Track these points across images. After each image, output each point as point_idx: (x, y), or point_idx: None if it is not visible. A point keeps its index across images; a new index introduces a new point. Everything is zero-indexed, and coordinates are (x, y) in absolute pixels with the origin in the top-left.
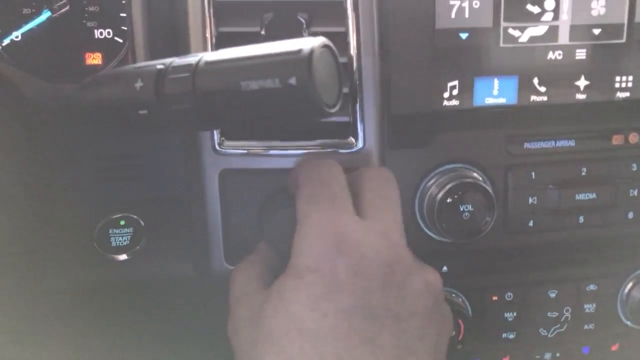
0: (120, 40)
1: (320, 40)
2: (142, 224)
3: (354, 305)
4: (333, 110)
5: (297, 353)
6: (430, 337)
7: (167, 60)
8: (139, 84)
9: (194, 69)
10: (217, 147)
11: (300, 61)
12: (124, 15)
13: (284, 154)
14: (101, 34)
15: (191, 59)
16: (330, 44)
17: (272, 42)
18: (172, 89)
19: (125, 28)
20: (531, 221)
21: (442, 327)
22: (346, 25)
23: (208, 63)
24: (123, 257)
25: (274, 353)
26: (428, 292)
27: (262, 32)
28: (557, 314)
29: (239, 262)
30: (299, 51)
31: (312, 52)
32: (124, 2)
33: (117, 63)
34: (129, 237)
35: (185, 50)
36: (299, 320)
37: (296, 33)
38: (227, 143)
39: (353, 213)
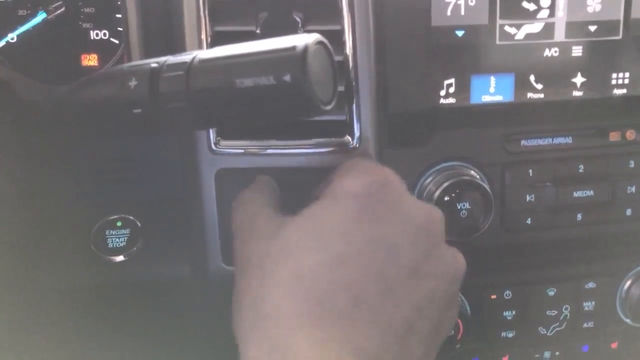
0: (116, 41)
1: (315, 36)
2: (139, 225)
3: (382, 239)
4: (328, 107)
5: (311, 269)
6: (438, 303)
7: (162, 59)
8: (133, 83)
9: (188, 67)
10: (213, 146)
11: (295, 58)
12: (120, 16)
13: (280, 153)
14: (97, 35)
15: (185, 57)
16: (325, 40)
17: (266, 39)
18: (167, 87)
19: (121, 29)
20: (529, 219)
21: (450, 304)
22: (342, 23)
23: (202, 61)
24: (120, 258)
25: (287, 264)
26: (453, 265)
27: (258, 31)
28: (556, 312)
29: (243, 190)
30: (293, 48)
31: (306, 48)
32: (119, 3)
33: (113, 64)
34: (125, 238)
35: (180, 51)
36: (325, 238)
37: (292, 32)
38: (223, 142)
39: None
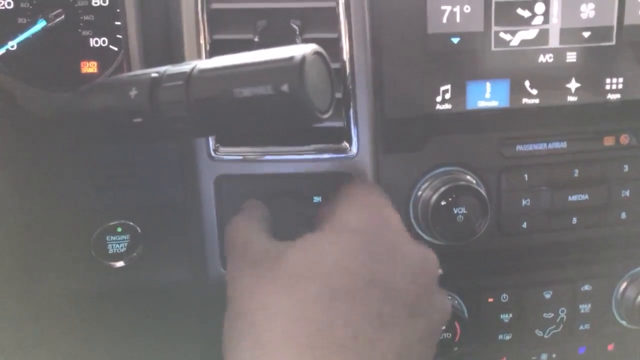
0: (116, 49)
1: (312, 47)
2: (139, 230)
3: (379, 279)
4: (326, 116)
5: (312, 299)
6: (426, 341)
7: (162, 69)
8: (133, 92)
9: (187, 77)
10: (212, 153)
11: (292, 68)
12: (119, 23)
13: (278, 159)
14: (96, 42)
15: (185, 67)
16: (322, 50)
17: (264, 50)
18: (166, 97)
19: (121, 36)
20: (525, 223)
21: (434, 342)
22: (339, 31)
23: (201, 71)
24: (120, 264)
25: (284, 292)
26: (442, 308)
27: (256, 39)
28: (552, 314)
29: (234, 217)
30: (291, 58)
31: (303, 59)
32: (118, 10)
33: (112, 71)
34: (125, 244)
35: (179, 58)
36: (324, 271)
37: (289, 40)
38: (222, 149)
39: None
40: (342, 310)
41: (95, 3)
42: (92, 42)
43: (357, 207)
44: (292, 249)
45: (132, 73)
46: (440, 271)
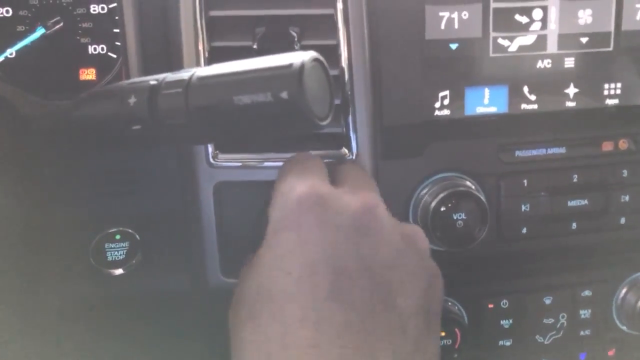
0: (114, 56)
1: (311, 54)
2: (138, 238)
3: (320, 260)
4: (324, 123)
5: (266, 317)
6: (415, 294)
7: (161, 76)
8: (132, 100)
9: (186, 84)
10: (211, 160)
11: (291, 75)
12: (118, 30)
13: (277, 166)
14: (95, 49)
15: (184, 74)
16: (321, 57)
17: (263, 57)
18: (165, 104)
19: (119, 43)
20: (524, 228)
21: (430, 286)
22: (337, 38)
23: (200, 78)
24: (119, 271)
25: (250, 320)
26: (407, 246)
27: (255, 46)
28: (553, 320)
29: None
30: (290, 65)
31: (302, 66)
32: (117, 18)
33: (111, 78)
34: (124, 251)
35: (178, 65)
36: (265, 282)
37: (288, 47)
38: (221, 156)
39: (327, 182)
40: (283, 314)
41: (94, 10)
42: (90, 49)
43: (278, 205)
44: (242, 275)
45: (131, 80)
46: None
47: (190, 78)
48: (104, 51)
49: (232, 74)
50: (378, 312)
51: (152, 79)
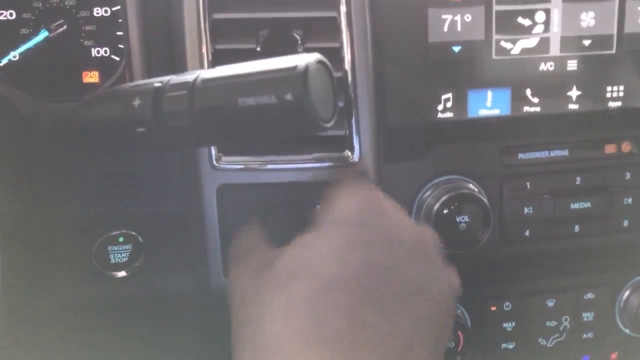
0: (117, 59)
1: (315, 56)
2: (141, 240)
3: (375, 264)
4: (329, 125)
5: (304, 296)
6: (435, 320)
7: (165, 78)
8: (137, 102)
9: (191, 86)
10: (214, 162)
11: (296, 77)
12: (121, 33)
13: (280, 168)
14: (98, 52)
15: (188, 76)
16: (325, 59)
17: (268, 59)
18: (170, 106)
19: (122, 46)
20: (527, 231)
21: (447, 320)
22: (340, 40)
23: (205, 80)
24: (122, 273)
25: (282, 294)
26: (448, 283)
27: (258, 49)
28: (555, 323)
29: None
30: (295, 67)
31: (307, 68)
32: (120, 20)
33: (114, 81)
34: (127, 253)
35: (182, 68)
36: (318, 263)
37: (291, 49)
38: (224, 159)
39: None
40: (336, 300)
41: (97, 13)
42: (93, 52)
43: (349, 201)
44: (287, 249)
45: (135, 83)
46: (441, 246)
47: (195, 80)
48: (107, 54)
49: (236, 76)
50: (370, 322)
51: (157, 81)
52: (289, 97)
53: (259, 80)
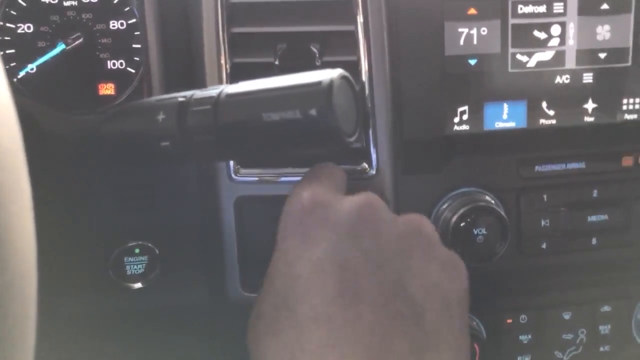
0: (133, 71)
1: (339, 71)
2: (157, 252)
3: (324, 258)
4: (352, 139)
5: (282, 324)
6: (426, 281)
7: (188, 93)
8: (161, 116)
9: (215, 101)
10: (232, 175)
11: (321, 93)
12: (137, 46)
13: (295, 181)
14: (114, 64)
15: (212, 91)
16: (348, 75)
17: (291, 74)
18: (194, 121)
19: (138, 58)
20: (544, 243)
21: (445, 272)
22: (358, 54)
23: (229, 95)
24: (138, 285)
25: (268, 332)
26: (412, 234)
27: (276, 63)
28: (572, 335)
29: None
30: (319, 83)
31: (331, 83)
32: (136, 33)
33: (129, 93)
34: (143, 265)
35: (200, 81)
36: (279, 290)
37: (309, 63)
38: (242, 171)
39: (333, 188)
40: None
41: (113, 26)
42: (109, 64)
43: (286, 214)
44: (261, 288)
45: (158, 97)
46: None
47: (219, 95)
48: (123, 66)
49: (260, 91)
50: (389, 303)
51: (180, 96)
52: (313, 112)
53: (283, 95)
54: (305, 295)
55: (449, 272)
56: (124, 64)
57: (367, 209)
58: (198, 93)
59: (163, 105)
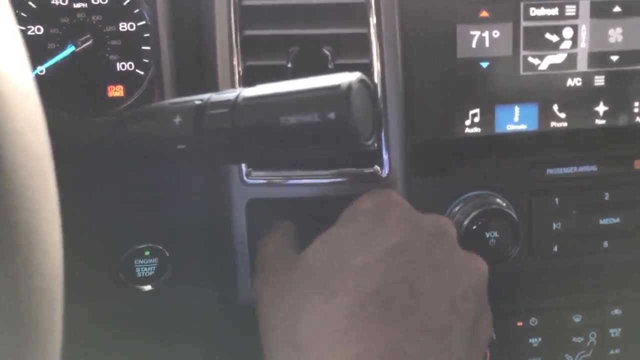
0: (142, 73)
1: (357, 75)
2: (167, 254)
3: (399, 245)
4: (369, 142)
5: (339, 287)
6: (470, 301)
7: (204, 96)
8: (177, 120)
9: (232, 104)
10: (244, 177)
11: (339, 96)
12: (146, 48)
13: (309, 183)
14: (123, 66)
15: (229, 94)
16: (366, 78)
17: (308, 78)
18: (211, 124)
19: (147, 60)
20: (555, 246)
21: (482, 303)
22: (370, 56)
23: (247, 99)
24: (148, 287)
25: (316, 288)
26: (475, 263)
27: (289, 65)
28: (582, 339)
29: (266, 235)
30: (338, 86)
31: (350, 87)
32: (146, 35)
33: (139, 95)
34: (153, 267)
35: (211, 83)
36: (343, 254)
37: (322, 66)
38: (254, 173)
39: None
40: (369, 285)
41: (123, 28)
42: (118, 66)
43: (365, 197)
44: (309, 250)
45: (173, 100)
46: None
47: (236, 98)
48: (132, 68)
49: (278, 95)
50: (407, 303)
51: (196, 99)
52: (331, 115)
53: (301, 99)
54: (371, 271)
55: (465, 276)
56: (133, 66)
57: (446, 232)
58: (215, 96)
59: (179, 108)
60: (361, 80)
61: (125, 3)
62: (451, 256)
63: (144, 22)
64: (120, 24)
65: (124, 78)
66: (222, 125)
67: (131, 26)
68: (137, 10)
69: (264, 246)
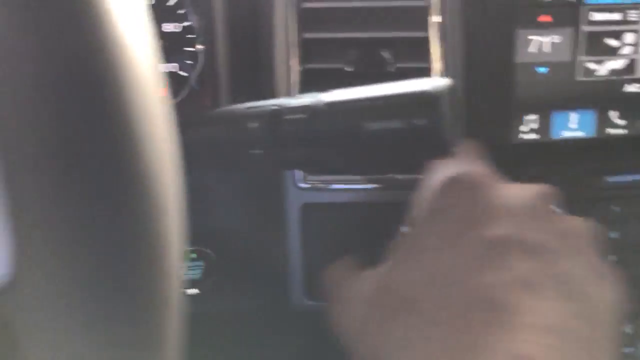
0: (185, 74)
1: (445, 80)
2: (214, 257)
3: (483, 237)
4: (455, 149)
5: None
6: (581, 277)
7: (278, 101)
8: (252, 124)
9: (312, 110)
10: (299, 182)
11: (429, 102)
12: (189, 49)
13: (365, 188)
14: (166, 68)
15: (306, 99)
16: (453, 82)
17: (392, 83)
18: (289, 129)
19: (191, 62)
20: (614, 256)
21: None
22: (430, 61)
23: (328, 104)
24: (195, 291)
25: (400, 320)
26: (574, 230)
27: (348, 69)
28: (633, 349)
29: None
30: (427, 92)
31: (439, 92)
32: (189, 37)
33: (182, 97)
34: (200, 270)
35: (268, 87)
36: (430, 249)
37: (381, 69)
38: (309, 178)
39: None
40: (478, 281)
41: (167, 29)
42: (162, 67)
43: (449, 185)
44: (395, 255)
45: (247, 105)
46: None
47: (316, 103)
48: (175, 70)
49: (362, 100)
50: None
51: (271, 104)
52: (420, 122)
53: (388, 104)
54: (459, 266)
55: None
56: (177, 67)
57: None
58: (290, 101)
59: (255, 113)
60: (450, 86)
61: (170, 3)
62: (548, 228)
63: (189, 23)
64: (164, 25)
65: (168, 79)
66: (300, 130)
67: (175, 27)
68: (182, 11)
69: (333, 270)
